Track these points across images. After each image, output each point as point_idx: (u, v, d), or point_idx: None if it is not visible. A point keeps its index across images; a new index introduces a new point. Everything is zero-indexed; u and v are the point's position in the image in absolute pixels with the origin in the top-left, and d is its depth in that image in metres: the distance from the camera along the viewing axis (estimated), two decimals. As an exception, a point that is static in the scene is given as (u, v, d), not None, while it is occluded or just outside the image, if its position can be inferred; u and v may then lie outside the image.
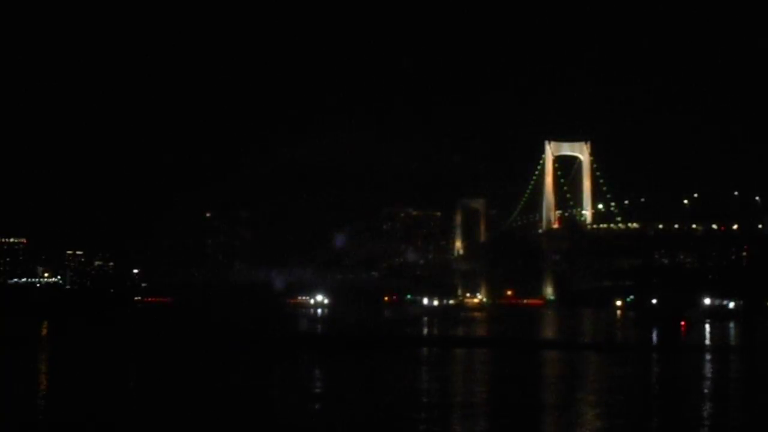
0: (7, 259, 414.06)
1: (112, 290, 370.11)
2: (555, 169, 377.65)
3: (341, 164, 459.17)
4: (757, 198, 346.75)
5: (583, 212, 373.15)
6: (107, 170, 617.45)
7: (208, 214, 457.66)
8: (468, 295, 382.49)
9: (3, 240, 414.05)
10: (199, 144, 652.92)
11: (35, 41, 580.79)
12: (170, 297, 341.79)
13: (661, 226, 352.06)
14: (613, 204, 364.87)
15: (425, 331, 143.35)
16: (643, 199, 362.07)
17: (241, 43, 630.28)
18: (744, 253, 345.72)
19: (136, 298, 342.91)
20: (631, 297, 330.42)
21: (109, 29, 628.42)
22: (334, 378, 66.62)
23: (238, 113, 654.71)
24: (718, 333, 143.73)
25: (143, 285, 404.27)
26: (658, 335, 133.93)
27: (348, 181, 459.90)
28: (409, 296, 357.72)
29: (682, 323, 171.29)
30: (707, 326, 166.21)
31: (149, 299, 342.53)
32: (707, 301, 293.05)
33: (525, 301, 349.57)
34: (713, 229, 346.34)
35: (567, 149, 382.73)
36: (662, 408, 51.66)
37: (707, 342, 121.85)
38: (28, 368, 70.77)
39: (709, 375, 72.42)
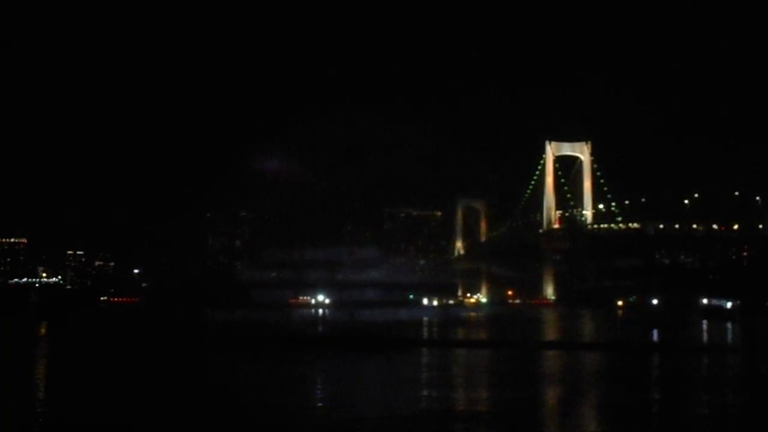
0: (8, 259, 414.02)
1: (112, 290, 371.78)
2: (555, 169, 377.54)
3: (342, 165, 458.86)
4: (757, 198, 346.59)
5: (584, 212, 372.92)
6: (108, 171, 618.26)
7: (208, 215, 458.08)
8: (468, 294, 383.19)
9: (3, 240, 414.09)
10: (199, 144, 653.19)
11: (35, 41, 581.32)
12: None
13: (661, 226, 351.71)
14: (613, 204, 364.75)
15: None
16: (643, 199, 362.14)
17: (241, 45, 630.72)
18: (744, 254, 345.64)
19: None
20: (633, 297, 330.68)
21: (110, 30, 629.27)
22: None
23: (237, 114, 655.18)
24: (716, 333, 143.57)
25: (143, 285, 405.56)
26: (658, 335, 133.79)
27: (348, 181, 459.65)
28: (411, 296, 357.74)
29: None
30: (704, 326, 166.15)
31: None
32: (704, 301, 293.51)
33: (532, 301, 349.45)
34: (713, 229, 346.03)
35: (567, 149, 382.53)
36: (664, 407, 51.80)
37: (705, 342, 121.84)
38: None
39: (706, 374, 72.45)
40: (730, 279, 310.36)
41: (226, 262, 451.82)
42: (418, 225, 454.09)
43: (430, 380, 64.83)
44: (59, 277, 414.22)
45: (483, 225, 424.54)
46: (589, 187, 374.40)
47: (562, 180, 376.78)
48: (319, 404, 52.13)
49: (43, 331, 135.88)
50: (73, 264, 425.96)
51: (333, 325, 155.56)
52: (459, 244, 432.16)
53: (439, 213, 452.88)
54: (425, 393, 56.67)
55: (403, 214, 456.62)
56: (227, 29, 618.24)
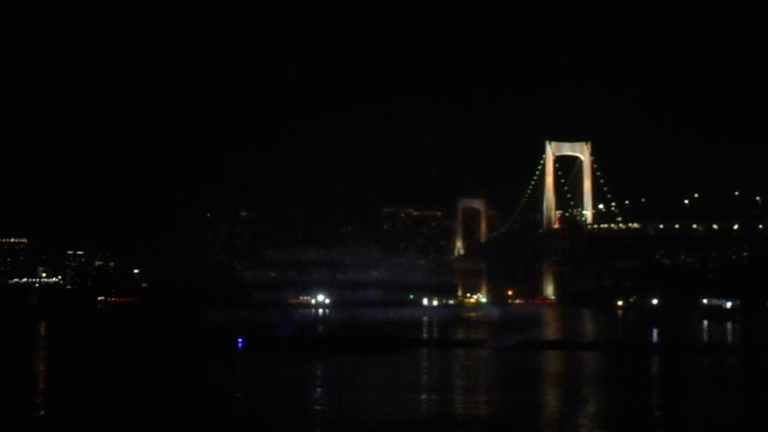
0: (8, 259, 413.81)
1: (112, 290, 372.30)
2: (555, 169, 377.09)
3: (342, 164, 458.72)
4: (757, 198, 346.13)
5: (584, 212, 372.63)
6: (107, 171, 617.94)
7: (208, 215, 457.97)
8: (468, 294, 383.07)
9: (3, 240, 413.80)
10: (200, 144, 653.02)
11: (35, 41, 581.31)
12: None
13: (661, 226, 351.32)
14: (613, 204, 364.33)
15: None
16: (643, 199, 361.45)
17: (242, 42, 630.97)
18: (744, 254, 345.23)
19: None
20: (633, 297, 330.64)
21: (110, 31, 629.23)
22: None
23: (237, 113, 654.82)
24: (716, 333, 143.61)
25: (144, 285, 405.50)
26: (658, 335, 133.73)
27: (349, 181, 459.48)
28: (411, 296, 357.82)
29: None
30: (704, 326, 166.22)
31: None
32: (704, 301, 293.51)
33: (534, 301, 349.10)
34: (713, 229, 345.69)
35: (568, 149, 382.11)
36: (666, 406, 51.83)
37: (705, 342, 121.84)
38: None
39: (706, 375, 72.48)
40: (730, 279, 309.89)
41: (226, 262, 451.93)
42: (418, 225, 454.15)
43: (430, 382, 64.83)
44: (59, 277, 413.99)
45: (483, 225, 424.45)
46: (589, 187, 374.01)
47: (562, 180, 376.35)
48: (317, 406, 52.09)
49: (42, 331, 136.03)
50: (73, 264, 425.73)
51: (333, 325, 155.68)
52: (459, 244, 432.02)
53: (439, 213, 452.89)
54: (424, 395, 56.67)
55: (403, 214, 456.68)
56: (227, 27, 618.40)
